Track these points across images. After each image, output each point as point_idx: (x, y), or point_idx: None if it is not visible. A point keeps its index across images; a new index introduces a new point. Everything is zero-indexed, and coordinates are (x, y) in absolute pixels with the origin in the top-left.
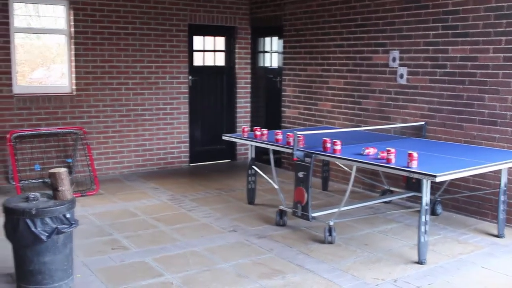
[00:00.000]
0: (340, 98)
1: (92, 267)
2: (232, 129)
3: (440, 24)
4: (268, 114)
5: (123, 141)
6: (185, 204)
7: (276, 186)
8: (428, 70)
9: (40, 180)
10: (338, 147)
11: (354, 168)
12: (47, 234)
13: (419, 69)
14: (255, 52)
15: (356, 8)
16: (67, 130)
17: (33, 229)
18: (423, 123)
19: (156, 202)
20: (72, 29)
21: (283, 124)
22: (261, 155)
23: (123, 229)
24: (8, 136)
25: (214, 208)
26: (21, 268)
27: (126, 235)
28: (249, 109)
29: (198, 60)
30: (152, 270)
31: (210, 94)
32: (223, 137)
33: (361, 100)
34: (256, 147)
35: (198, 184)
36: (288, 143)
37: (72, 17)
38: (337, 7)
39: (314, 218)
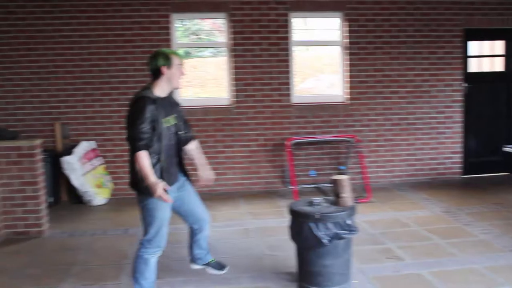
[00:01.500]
0: None
1: (368, 274)
2: (511, 139)
3: None
4: None
5: (394, 150)
6: (460, 218)
7: None
8: None
9: (313, 185)
10: None
11: None
12: (329, 239)
13: None
14: None
15: None
16: (340, 138)
17: (316, 232)
18: None
19: (428, 213)
20: (346, 40)
21: None
22: None
23: (396, 239)
24: (287, 143)
25: (493, 224)
26: (303, 268)
27: (399, 245)
28: None
29: (474, 66)
30: (428, 284)
31: (487, 102)
32: (504, 149)
33: None
34: None
35: (473, 197)
36: None
37: (346, 28)
38: None
39: None
